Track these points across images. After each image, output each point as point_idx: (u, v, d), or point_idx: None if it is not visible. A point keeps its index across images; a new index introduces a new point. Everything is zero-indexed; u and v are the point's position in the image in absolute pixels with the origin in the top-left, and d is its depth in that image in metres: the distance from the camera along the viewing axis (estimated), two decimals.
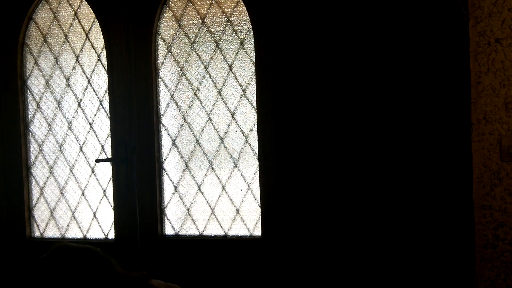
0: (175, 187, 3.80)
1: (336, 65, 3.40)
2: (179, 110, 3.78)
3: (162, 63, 3.80)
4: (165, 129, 3.81)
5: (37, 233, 4.09)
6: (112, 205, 3.90)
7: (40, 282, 2.13)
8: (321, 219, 3.44)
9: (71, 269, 2.12)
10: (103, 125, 3.93)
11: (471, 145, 3.21)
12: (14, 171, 4.07)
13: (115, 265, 2.17)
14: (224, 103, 3.70)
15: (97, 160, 3.89)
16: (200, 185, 3.77)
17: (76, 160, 4.00)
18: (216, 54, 3.71)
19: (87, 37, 3.94)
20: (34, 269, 2.16)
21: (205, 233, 3.77)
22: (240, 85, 3.66)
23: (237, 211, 3.70)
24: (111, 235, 3.93)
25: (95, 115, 3.95)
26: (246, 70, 3.65)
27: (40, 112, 4.06)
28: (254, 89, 3.60)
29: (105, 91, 3.91)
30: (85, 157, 3.98)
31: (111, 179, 3.89)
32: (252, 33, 3.60)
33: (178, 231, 3.81)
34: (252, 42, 3.61)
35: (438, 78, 3.24)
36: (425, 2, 3.24)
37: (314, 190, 3.45)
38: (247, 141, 3.66)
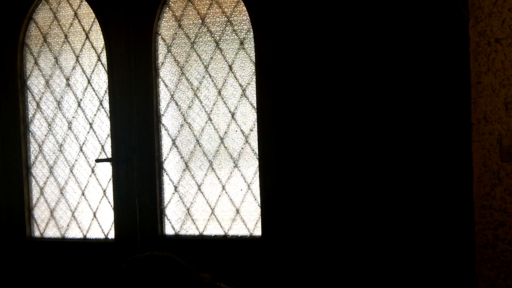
0: (175, 187, 3.80)
1: (336, 65, 3.40)
2: (179, 110, 3.78)
3: (162, 63, 3.80)
4: (165, 129, 3.81)
5: (37, 233, 4.10)
6: (112, 205, 3.90)
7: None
8: (321, 219, 3.44)
9: (162, 276, 2.17)
10: (103, 125, 3.93)
11: (471, 145, 3.21)
12: (14, 171, 4.07)
13: (195, 271, 2.25)
14: (224, 103, 3.70)
15: (97, 160, 3.89)
16: (200, 185, 3.77)
17: (76, 160, 4.00)
18: (216, 54, 3.71)
19: (87, 37, 3.94)
20: (124, 276, 2.20)
21: (205, 233, 3.77)
22: (240, 85, 3.67)
23: (237, 211, 3.70)
24: (111, 235, 3.93)
25: (95, 115, 3.95)
26: (246, 70, 3.65)
27: (40, 112, 4.07)
28: (254, 89, 3.61)
29: (105, 91, 3.91)
30: (85, 157, 3.98)
31: (111, 179, 3.89)
32: (252, 33, 3.60)
33: (178, 231, 3.81)
34: (252, 42, 3.61)
35: (438, 78, 3.25)
36: (425, 2, 3.24)
37: (314, 190, 3.45)
38: (247, 141, 3.66)
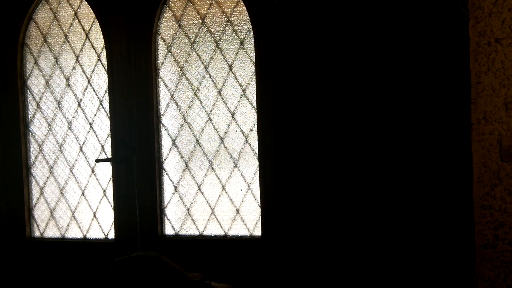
0: (175, 187, 3.80)
1: (336, 65, 3.40)
2: (179, 110, 3.78)
3: (162, 63, 3.80)
4: (165, 129, 3.81)
5: (37, 233, 4.10)
6: (112, 205, 3.90)
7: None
8: (321, 219, 3.44)
9: (148, 277, 2.19)
10: (103, 125, 3.93)
11: (471, 145, 3.21)
12: (14, 171, 4.07)
13: (182, 270, 2.26)
14: (224, 103, 3.70)
15: (97, 160, 3.89)
16: (200, 185, 3.77)
17: (76, 160, 4.00)
18: (216, 54, 3.71)
19: (87, 37, 3.94)
20: (114, 275, 2.21)
21: (205, 233, 3.77)
22: (240, 85, 3.67)
23: (237, 211, 3.70)
24: (111, 235, 3.93)
25: (95, 115, 3.95)
26: (246, 70, 3.65)
27: (40, 112, 4.07)
28: (254, 89, 3.61)
29: (105, 91, 3.91)
30: (85, 157, 3.98)
31: (111, 179, 3.89)
32: (252, 33, 3.60)
33: (178, 231, 3.81)
34: (252, 42, 3.61)
35: (438, 78, 3.25)
36: (425, 2, 3.24)
37: (314, 190, 3.45)
38: (247, 141, 3.66)
